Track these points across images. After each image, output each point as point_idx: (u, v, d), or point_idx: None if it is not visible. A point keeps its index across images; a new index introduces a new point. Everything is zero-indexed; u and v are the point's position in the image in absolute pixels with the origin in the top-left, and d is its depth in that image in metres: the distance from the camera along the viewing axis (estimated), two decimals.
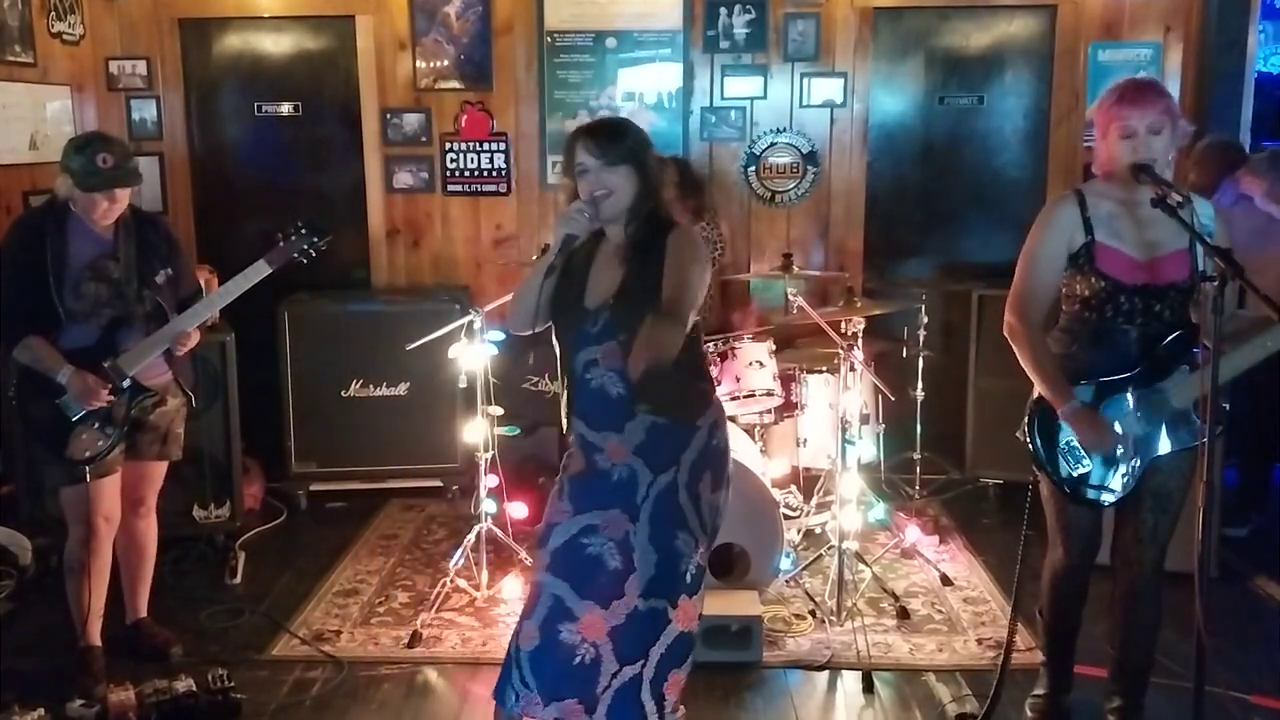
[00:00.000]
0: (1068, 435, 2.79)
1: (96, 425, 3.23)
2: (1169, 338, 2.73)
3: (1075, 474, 2.81)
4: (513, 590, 4.02)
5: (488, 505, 4.03)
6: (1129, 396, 2.75)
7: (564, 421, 2.69)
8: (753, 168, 5.35)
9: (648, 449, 2.56)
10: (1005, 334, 2.84)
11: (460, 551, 4.02)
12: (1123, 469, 2.78)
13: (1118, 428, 2.75)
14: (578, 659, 2.50)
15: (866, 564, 4.07)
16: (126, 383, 3.26)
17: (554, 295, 2.62)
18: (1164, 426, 2.75)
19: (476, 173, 5.39)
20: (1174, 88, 5.24)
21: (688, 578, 2.56)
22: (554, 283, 2.60)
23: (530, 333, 2.65)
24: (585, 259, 2.64)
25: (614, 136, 2.60)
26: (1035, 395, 2.85)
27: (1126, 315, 2.74)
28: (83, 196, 3.20)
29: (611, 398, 2.56)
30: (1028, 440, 2.86)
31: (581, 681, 2.50)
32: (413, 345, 4.24)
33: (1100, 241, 2.74)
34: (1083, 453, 2.78)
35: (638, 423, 2.55)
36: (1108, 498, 2.81)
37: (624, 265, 2.58)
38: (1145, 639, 2.93)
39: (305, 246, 3.37)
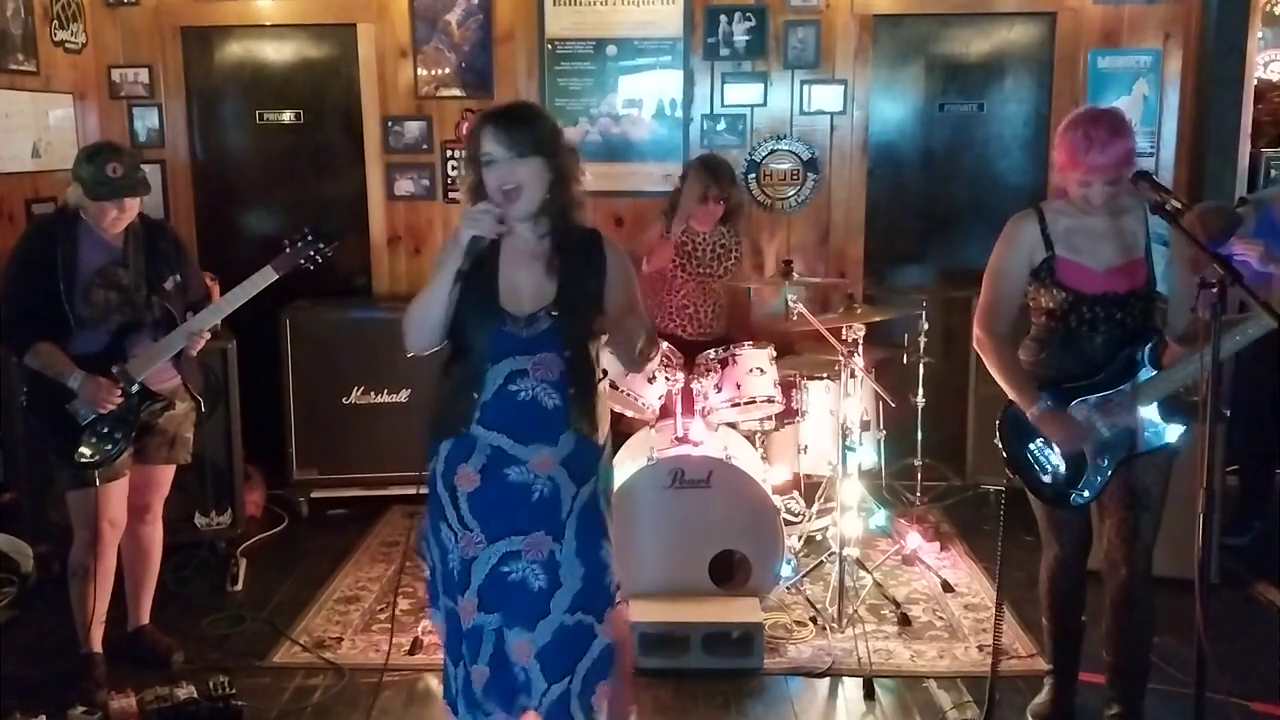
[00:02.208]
0: (1036, 439, 2.87)
1: (106, 429, 3.25)
2: (1133, 343, 2.81)
3: (1046, 476, 2.88)
4: None
5: None
6: (1093, 399, 2.82)
7: (449, 429, 2.55)
8: (753, 175, 5.36)
9: (573, 460, 2.50)
10: (975, 346, 2.95)
11: None
12: (1091, 469, 2.84)
13: (1080, 417, 2.81)
14: (519, 677, 2.51)
15: (867, 570, 4.08)
16: (135, 387, 3.27)
17: (463, 299, 2.46)
18: (1133, 426, 2.81)
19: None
20: (1173, 95, 5.26)
21: (611, 588, 2.54)
22: (460, 287, 2.45)
23: (433, 351, 2.53)
24: (488, 257, 2.49)
25: (524, 124, 2.44)
26: (1005, 403, 2.92)
27: (1090, 324, 2.83)
28: (92, 205, 3.23)
29: (547, 410, 2.46)
30: (1000, 446, 2.95)
31: (521, 694, 2.52)
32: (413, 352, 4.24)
33: (1060, 255, 2.84)
34: (1052, 455, 2.86)
35: (570, 435, 2.48)
36: (1079, 498, 2.87)
37: (555, 271, 2.47)
38: (1139, 643, 2.96)
39: (311, 253, 3.39)
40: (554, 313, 2.45)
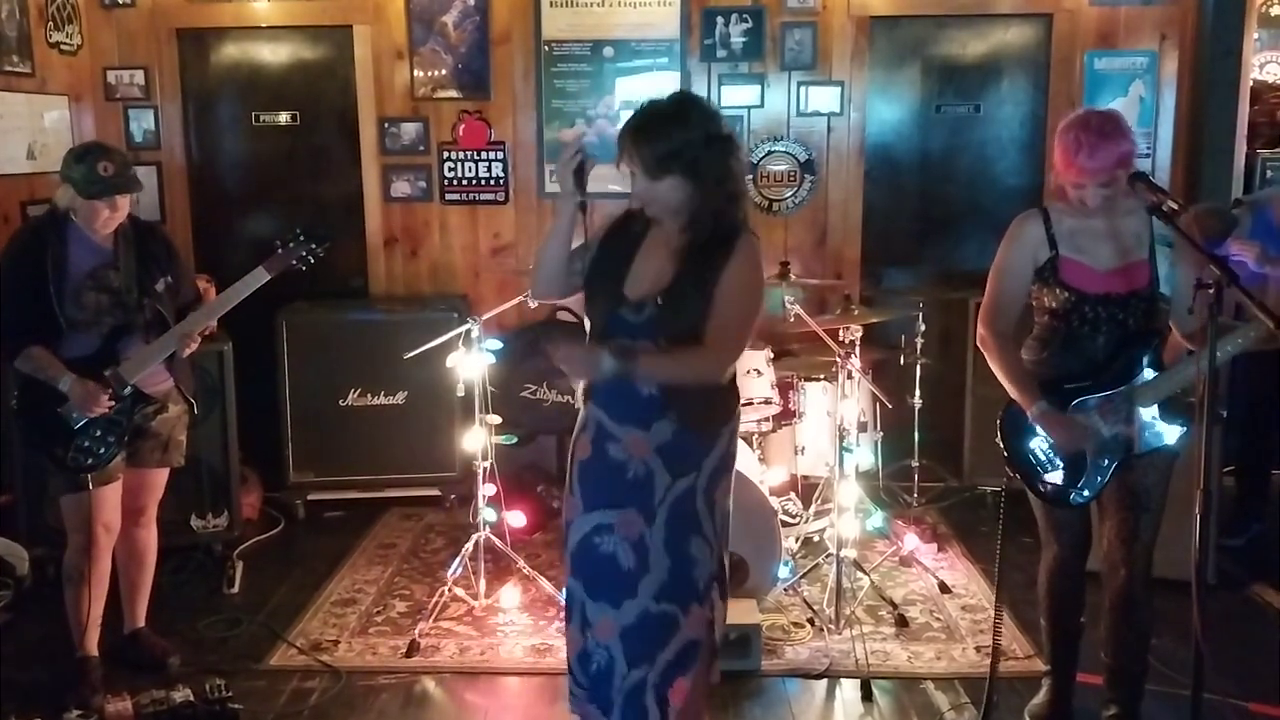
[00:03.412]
0: (1036, 438, 2.87)
1: (98, 433, 3.24)
2: (1135, 343, 2.82)
3: (1047, 475, 2.89)
4: (511, 599, 4.01)
5: (486, 514, 4.03)
6: (1094, 399, 2.82)
7: (580, 397, 2.61)
8: (749, 176, 5.36)
9: (670, 450, 2.49)
10: (978, 344, 2.96)
11: (458, 560, 4.02)
12: (1092, 469, 2.84)
13: (1081, 418, 2.82)
14: (594, 665, 2.53)
15: (865, 572, 4.08)
16: (128, 390, 3.26)
17: (591, 269, 2.55)
18: (1133, 427, 2.82)
19: (474, 181, 5.39)
20: (1169, 96, 5.27)
21: (700, 584, 2.54)
22: (593, 255, 2.55)
23: (554, 300, 2.64)
24: (633, 239, 2.54)
25: (657, 140, 2.40)
26: (1006, 401, 2.93)
27: (1092, 324, 2.84)
28: (84, 205, 3.21)
29: (642, 395, 2.47)
30: (1001, 445, 2.95)
31: (602, 687, 2.53)
32: (410, 354, 4.24)
33: (1064, 255, 2.85)
34: (1052, 454, 2.86)
35: (665, 423, 2.48)
36: (1079, 498, 2.87)
37: (678, 264, 2.46)
38: (1138, 645, 2.96)
39: (304, 253, 3.39)
40: (659, 302, 2.45)
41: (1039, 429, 2.85)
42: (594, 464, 2.55)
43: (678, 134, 2.41)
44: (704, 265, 2.44)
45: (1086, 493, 2.86)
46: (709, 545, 2.55)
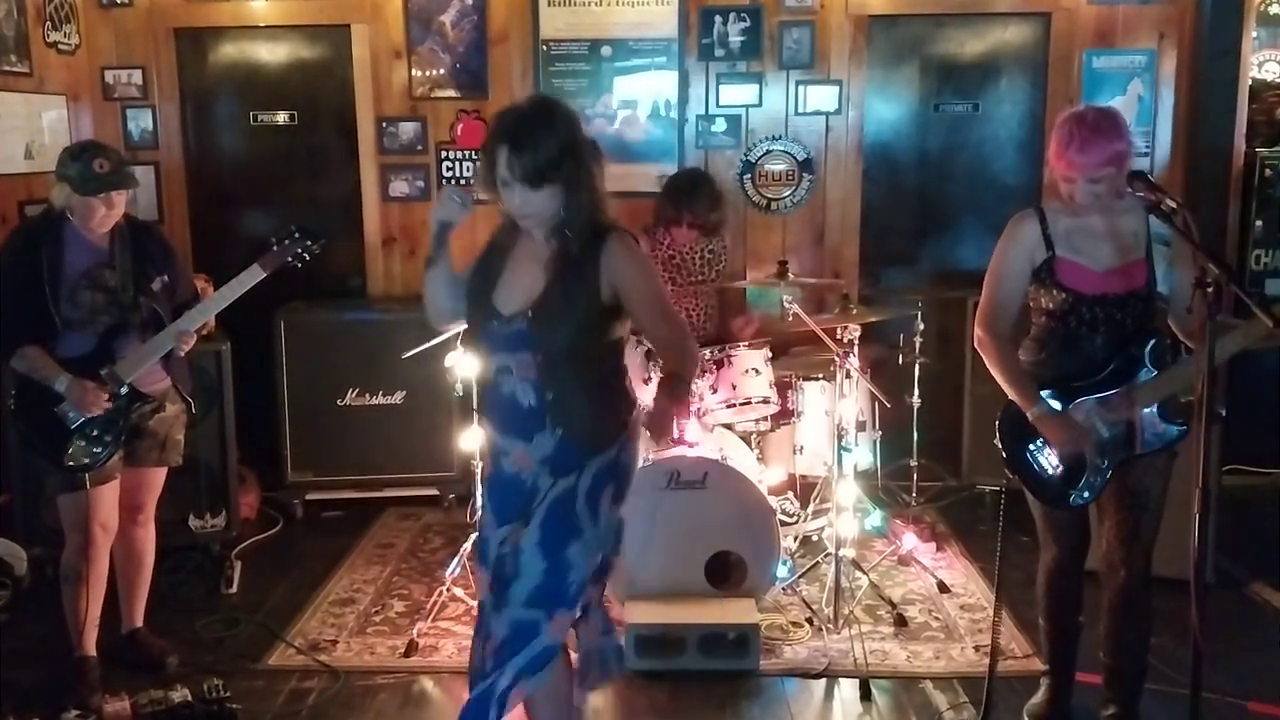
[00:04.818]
0: (1035, 439, 2.86)
1: (95, 432, 3.23)
2: (1133, 343, 2.81)
3: (1046, 476, 2.88)
4: None
5: None
6: (1093, 399, 2.82)
7: (476, 417, 2.62)
8: (748, 175, 5.36)
9: (554, 459, 2.46)
10: (976, 346, 2.95)
11: (457, 560, 4.01)
12: (1091, 470, 2.83)
13: (1080, 418, 2.81)
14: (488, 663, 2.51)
15: (863, 571, 4.08)
16: (124, 389, 3.26)
17: (468, 287, 2.54)
18: (1132, 427, 2.81)
19: (472, 181, 5.39)
20: (1168, 95, 5.26)
21: (572, 589, 2.45)
22: (470, 273, 2.57)
23: (449, 327, 2.77)
24: (502, 251, 2.53)
25: (536, 150, 2.35)
26: (1005, 402, 2.92)
27: (1090, 324, 2.83)
28: (80, 203, 3.21)
29: (523, 408, 2.45)
30: (1000, 447, 2.95)
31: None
32: (408, 354, 4.24)
33: (1060, 256, 2.84)
34: (1051, 456, 2.86)
35: (547, 435, 2.44)
36: (1079, 499, 2.87)
37: (547, 275, 2.43)
38: (1137, 644, 2.96)
39: (299, 250, 3.39)
40: (529, 315, 2.43)
41: (1038, 430, 2.84)
42: (494, 479, 2.58)
43: (554, 140, 2.38)
44: (575, 276, 2.41)
45: (1086, 494, 2.86)
46: (587, 550, 2.45)
